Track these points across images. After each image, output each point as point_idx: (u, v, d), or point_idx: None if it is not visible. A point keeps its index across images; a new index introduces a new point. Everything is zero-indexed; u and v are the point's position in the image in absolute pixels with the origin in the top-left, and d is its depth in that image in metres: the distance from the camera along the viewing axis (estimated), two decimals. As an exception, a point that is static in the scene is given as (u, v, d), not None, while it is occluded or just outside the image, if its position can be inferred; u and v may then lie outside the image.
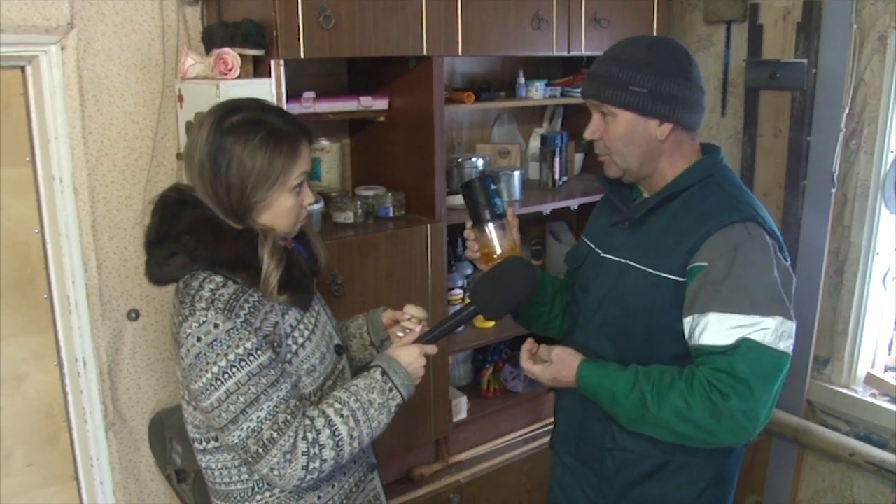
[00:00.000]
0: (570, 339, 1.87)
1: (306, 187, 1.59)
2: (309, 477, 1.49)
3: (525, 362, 1.77)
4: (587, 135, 1.73)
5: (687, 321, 1.61)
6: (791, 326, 1.58)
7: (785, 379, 1.59)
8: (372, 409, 1.55)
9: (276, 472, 1.47)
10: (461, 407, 2.84)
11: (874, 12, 2.65)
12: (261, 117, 1.51)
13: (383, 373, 1.59)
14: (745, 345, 1.53)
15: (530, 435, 2.98)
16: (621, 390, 1.63)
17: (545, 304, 1.97)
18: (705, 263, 1.58)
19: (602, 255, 1.80)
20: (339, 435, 1.51)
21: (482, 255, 1.83)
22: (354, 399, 1.55)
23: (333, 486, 1.67)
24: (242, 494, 1.62)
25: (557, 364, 1.73)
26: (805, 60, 2.79)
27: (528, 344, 1.78)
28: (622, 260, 1.73)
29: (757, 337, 1.53)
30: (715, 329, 1.55)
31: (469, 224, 1.84)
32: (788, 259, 1.67)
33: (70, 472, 2.51)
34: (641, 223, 1.73)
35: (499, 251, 1.80)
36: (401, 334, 1.77)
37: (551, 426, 2.93)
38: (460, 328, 2.69)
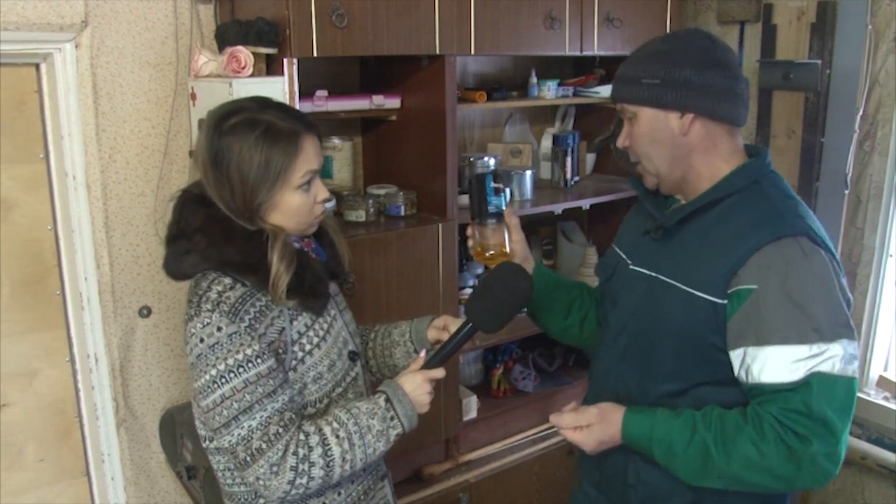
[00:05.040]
0: (595, 359, 1.76)
1: (318, 183, 1.55)
2: (294, 491, 1.48)
3: (567, 433, 1.55)
4: (618, 143, 1.62)
5: (736, 354, 1.44)
6: (855, 347, 1.42)
7: None
8: (369, 435, 1.53)
9: (261, 482, 1.47)
10: (471, 406, 2.84)
11: (889, 13, 2.64)
12: (257, 116, 1.48)
13: (387, 400, 1.56)
14: (816, 380, 1.37)
15: (540, 435, 2.97)
16: (678, 440, 1.44)
17: (559, 311, 1.86)
18: (754, 286, 1.41)
19: (631, 266, 1.66)
20: (332, 455, 1.49)
21: (475, 252, 1.80)
22: (354, 422, 1.52)
23: (339, 494, 1.64)
24: (246, 497, 1.62)
25: (600, 424, 1.52)
26: (819, 61, 2.78)
27: (569, 408, 1.57)
28: (653, 274, 1.58)
29: (826, 368, 1.37)
30: (777, 364, 1.39)
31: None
32: (844, 276, 1.50)
33: (81, 467, 2.52)
34: (675, 232, 1.57)
35: (490, 251, 1.79)
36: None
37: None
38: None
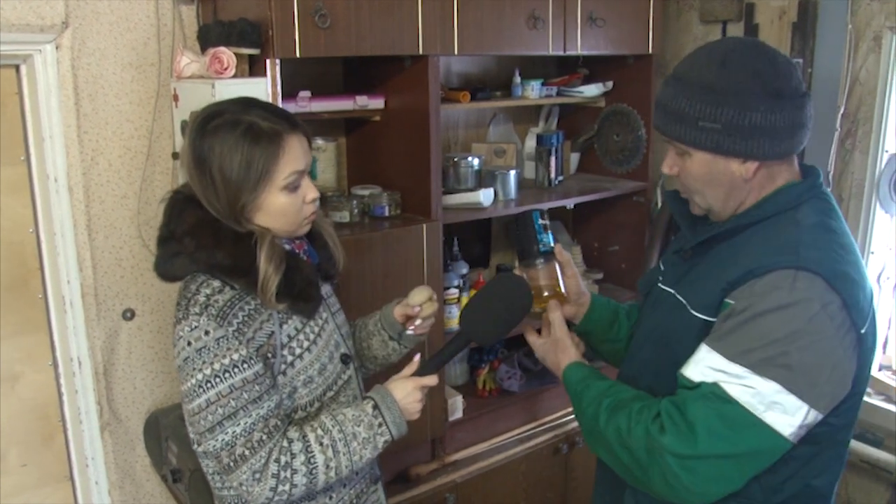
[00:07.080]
0: (620, 370, 1.73)
1: (306, 183, 1.53)
2: (277, 498, 1.47)
3: (529, 335, 1.68)
4: (664, 169, 1.51)
5: None
6: (801, 409, 1.28)
7: (769, 463, 1.33)
8: (355, 443, 1.52)
9: (244, 488, 1.47)
10: (457, 406, 2.83)
11: (869, 12, 2.66)
12: (240, 117, 1.46)
13: (375, 407, 1.55)
14: (706, 387, 1.32)
15: (526, 434, 2.97)
16: (588, 398, 1.48)
17: (621, 339, 1.79)
18: (732, 301, 1.35)
19: (659, 283, 1.62)
20: (315, 463, 1.48)
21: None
22: (338, 429, 1.51)
23: (331, 498, 1.64)
24: (235, 501, 1.62)
25: (552, 345, 1.64)
26: (800, 60, 2.79)
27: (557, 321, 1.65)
28: (674, 293, 1.53)
29: (733, 391, 1.29)
30: (698, 362, 1.35)
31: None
32: (861, 331, 1.34)
33: (65, 472, 2.50)
34: (704, 254, 1.50)
35: (545, 293, 1.70)
36: (414, 327, 1.74)
37: (548, 426, 2.90)
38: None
